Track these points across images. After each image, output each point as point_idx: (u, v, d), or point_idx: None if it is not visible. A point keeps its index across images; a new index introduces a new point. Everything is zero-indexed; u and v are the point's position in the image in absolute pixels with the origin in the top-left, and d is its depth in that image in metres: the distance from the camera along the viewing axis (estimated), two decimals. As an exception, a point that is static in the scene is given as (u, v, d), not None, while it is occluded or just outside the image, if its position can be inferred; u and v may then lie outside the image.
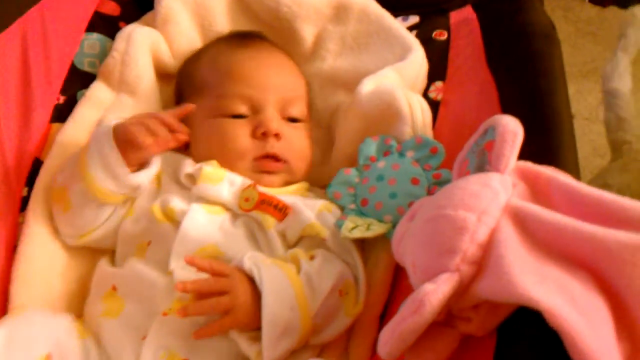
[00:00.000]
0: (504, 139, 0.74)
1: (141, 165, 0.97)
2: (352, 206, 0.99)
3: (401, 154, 1.00)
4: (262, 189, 0.98)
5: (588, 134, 1.82)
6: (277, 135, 1.02)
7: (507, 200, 0.70)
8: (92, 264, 0.99)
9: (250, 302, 0.84)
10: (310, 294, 0.86)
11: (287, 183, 1.04)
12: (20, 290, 0.92)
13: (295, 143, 1.05)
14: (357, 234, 0.92)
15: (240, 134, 1.01)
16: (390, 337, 0.67)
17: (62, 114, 1.08)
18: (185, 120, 1.01)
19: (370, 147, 1.02)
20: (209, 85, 1.06)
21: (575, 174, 0.81)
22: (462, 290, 0.68)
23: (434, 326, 0.68)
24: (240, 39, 1.13)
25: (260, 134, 1.01)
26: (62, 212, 0.97)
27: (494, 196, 0.70)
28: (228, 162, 1.01)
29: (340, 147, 1.09)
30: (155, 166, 0.98)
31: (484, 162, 0.76)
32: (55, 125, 1.07)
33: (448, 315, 0.71)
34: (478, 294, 0.66)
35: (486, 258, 0.67)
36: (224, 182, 0.98)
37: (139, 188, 0.97)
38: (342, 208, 1.00)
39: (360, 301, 0.92)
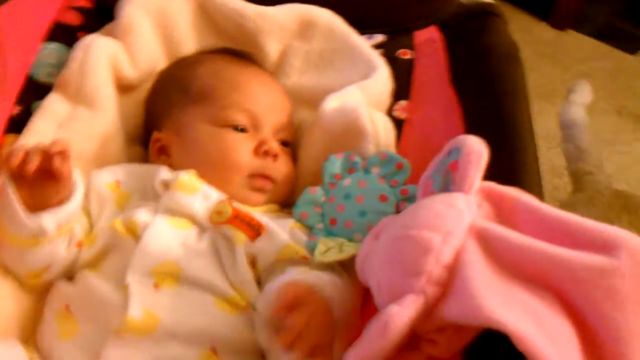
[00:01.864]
0: (469, 160, 0.74)
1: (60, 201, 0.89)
2: (320, 226, 0.98)
3: (367, 171, 0.99)
4: (236, 204, 0.96)
5: (546, 154, 1.85)
6: (275, 157, 1.02)
7: (472, 221, 0.70)
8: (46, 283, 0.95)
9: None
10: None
11: (267, 203, 1.03)
12: None
13: (285, 166, 1.05)
14: (331, 257, 0.90)
15: (243, 147, 1.01)
16: (355, 358, 0.66)
17: (17, 125, 1.04)
18: (175, 126, 1.01)
19: (335, 165, 1.01)
20: (211, 95, 1.04)
21: (539, 194, 0.82)
22: (427, 311, 0.67)
23: (400, 349, 0.67)
24: (239, 56, 1.13)
25: (263, 151, 1.01)
26: None
27: (458, 217, 0.70)
28: (221, 172, 1.00)
29: (304, 165, 1.08)
30: (65, 209, 0.88)
31: (449, 183, 0.76)
32: (10, 136, 1.03)
33: (413, 337, 0.70)
34: (444, 316, 0.66)
35: (452, 279, 0.67)
36: (198, 194, 0.96)
37: (44, 232, 0.87)
38: (310, 228, 0.99)
39: None
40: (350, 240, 0.94)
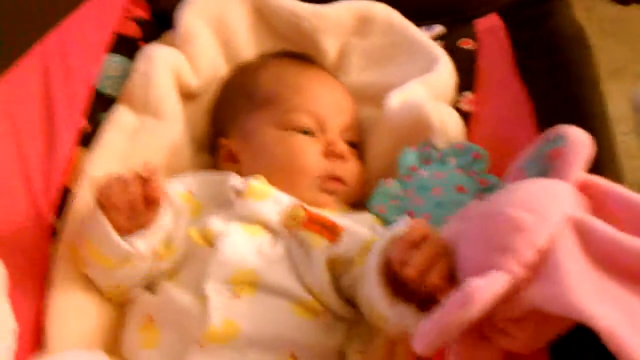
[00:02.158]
0: (574, 149, 0.73)
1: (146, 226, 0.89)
2: (398, 219, 0.96)
3: (443, 162, 0.98)
4: (309, 207, 0.95)
5: (618, 136, 1.79)
6: (344, 158, 1.01)
7: (570, 210, 0.68)
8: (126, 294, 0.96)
9: None
10: None
11: (338, 204, 1.03)
12: (55, 324, 0.90)
13: (355, 167, 1.04)
14: None
15: (311, 150, 1.01)
16: (431, 329, 0.64)
17: (86, 138, 1.06)
18: (242, 133, 1.02)
19: (410, 157, 1.00)
20: (275, 99, 1.05)
21: (619, 181, 0.80)
22: (511, 295, 0.64)
23: (476, 339, 0.65)
24: (299, 58, 1.14)
25: (331, 153, 1.01)
26: (82, 268, 0.93)
27: (556, 202, 0.68)
28: (290, 176, 1.00)
29: (371, 164, 1.07)
30: (155, 231, 0.89)
31: (548, 169, 0.74)
32: (81, 150, 1.05)
33: (486, 326, 0.68)
34: (528, 301, 0.63)
35: (543, 265, 0.64)
36: (269, 200, 0.96)
37: (137, 255, 0.88)
38: (388, 222, 0.97)
39: None
40: None
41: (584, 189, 0.73)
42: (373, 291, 0.79)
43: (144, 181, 0.85)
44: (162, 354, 0.86)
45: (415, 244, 0.73)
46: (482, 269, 0.65)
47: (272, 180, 0.98)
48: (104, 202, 0.86)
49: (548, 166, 0.75)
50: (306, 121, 1.03)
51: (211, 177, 1.03)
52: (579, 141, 0.74)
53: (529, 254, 0.64)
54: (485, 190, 0.93)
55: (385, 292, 0.77)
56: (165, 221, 0.91)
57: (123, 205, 0.85)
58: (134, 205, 0.85)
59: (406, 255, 0.72)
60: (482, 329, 0.68)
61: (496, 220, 0.68)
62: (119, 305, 0.96)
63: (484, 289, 0.62)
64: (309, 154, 1.01)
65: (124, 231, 0.87)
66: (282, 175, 1.00)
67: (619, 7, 2.51)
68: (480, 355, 0.68)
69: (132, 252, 0.87)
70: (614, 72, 2.10)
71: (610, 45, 2.30)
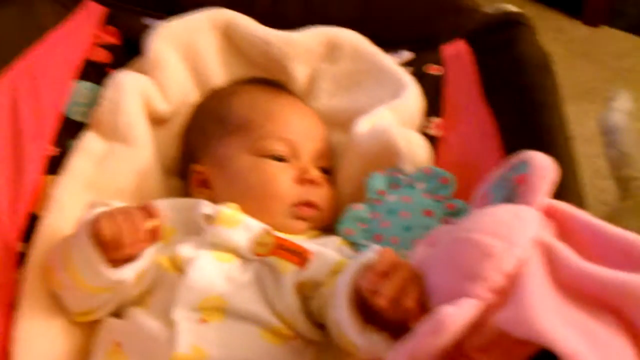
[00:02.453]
0: (538, 174, 0.74)
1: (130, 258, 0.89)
2: (366, 242, 0.97)
3: (411, 186, 0.99)
4: (277, 234, 0.96)
5: (589, 157, 1.81)
6: (317, 184, 1.02)
7: (537, 234, 0.69)
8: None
9: None
10: None
11: (309, 230, 1.03)
12: (22, 350, 0.89)
13: (327, 193, 1.05)
14: None
15: (284, 177, 1.01)
16: (402, 356, 0.64)
17: (54, 165, 1.06)
18: (214, 159, 1.03)
19: (378, 181, 1.01)
20: (248, 126, 1.05)
21: (582, 204, 0.82)
22: (481, 321, 0.65)
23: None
24: (271, 85, 1.14)
25: (304, 180, 1.01)
26: (56, 290, 0.92)
27: (523, 227, 0.69)
28: (263, 202, 1.00)
29: (341, 188, 1.07)
30: (144, 260, 0.89)
31: (513, 195, 0.75)
32: (49, 177, 1.04)
33: (456, 354, 0.68)
34: (496, 325, 0.64)
35: (511, 290, 0.65)
36: (239, 227, 0.96)
37: (124, 282, 0.88)
38: (355, 245, 0.98)
39: None
40: None
41: (550, 214, 0.74)
42: (343, 318, 0.79)
43: (148, 216, 0.86)
44: None
45: (385, 273, 0.73)
46: (452, 296, 0.66)
47: (245, 207, 0.98)
48: (106, 236, 0.84)
49: (513, 192, 0.76)
50: (279, 148, 1.03)
51: (181, 202, 1.02)
52: (542, 167, 0.75)
53: (497, 280, 0.65)
54: (452, 214, 0.94)
55: (355, 319, 0.78)
56: (152, 251, 0.91)
57: (128, 240, 0.84)
58: (136, 240, 0.85)
59: (377, 284, 0.72)
60: (451, 356, 0.68)
61: (464, 247, 0.69)
62: (87, 330, 0.95)
63: (455, 316, 0.63)
64: (282, 181, 1.01)
65: (113, 261, 0.86)
66: (255, 202, 1.00)
67: (589, 27, 2.55)
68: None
69: (118, 280, 0.87)
70: (585, 93, 2.12)
71: (580, 65, 2.34)
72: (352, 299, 0.78)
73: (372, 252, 0.81)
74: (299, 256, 0.92)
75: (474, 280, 0.66)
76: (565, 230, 0.73)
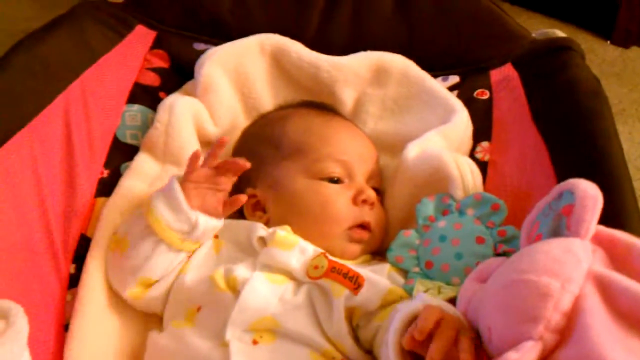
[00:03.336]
0: (585, 204, 0.72)
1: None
2: (416, 269, 0.97)
3: (461, 213, 0.98)
4: (332, 258, 0.96)
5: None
6: (373, 204, 1.03)
7: (589, 266, 0.68)
8: (144, 339, 0.97)
9: None
10: None
11: (362, 254, 1.03)
12: None
13: (381, 213, 1.06)
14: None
15: (342, 199, 1.02)
16: None
17: (106, 187, 1.08)
18: (270, 182, 1.04)
19: (428, 207, 1.01)
20: (304, 149, 1.06)
21: None
22: None
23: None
24: (323, 108, 1.15)
25: (361, 200, 1.02)
26: (119, 256, 0.96)
27: (577, 262, 0.68)
28: (321, 225, 1.00)
29: (390, 214, 1.08)
30: (218, 222, 0.97)
31: (561, 227, 0.74)
32: (100, 199, 1.06)
33: None
34: None
35: (570, 327, 0.65)
36: (295, 249, 0.96)
37: (197, 230, 0.94)
38: (405, 272, 0.98)
39: None
40: (448, 283, 0.93)
41: (600, 241, 0.73)
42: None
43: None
44: None
45: (429, 332, 0.74)
46: (511, 340, 0.67)
47: (302, 230, 0.99)
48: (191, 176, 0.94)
49: (560, 224, 0.75)
50: (335, 170, 1.04)
51: (236, 224, 1.03)
52: (588, 196, 0.73)
53: (557, 319, 0.65)
54: (504, 241, 0.93)
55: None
56: (221, 223, 0.97)
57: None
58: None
59: (421, 346, 0.74)
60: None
61: (520, 288, 0.68)
62: (134, 351, 0.97)
63: None
64: (340, 203, 1.01)
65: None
66: (312, 225, 1.00)
67: (620, 49, 2.54)
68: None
69: (194, 222, 0.93)
70: (616, 114, 2.10)
71: (612, 86, 2.32)
72: (400, 349, 0.78)
73: (420, 301, 0.80)
74: (352, 281, 0.92)
75: (534, 321, 0.66)
76: (616, 256, 0.72)
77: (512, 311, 0.68)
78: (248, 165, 0.95)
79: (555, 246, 0.71)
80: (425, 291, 0.90)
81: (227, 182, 0.97)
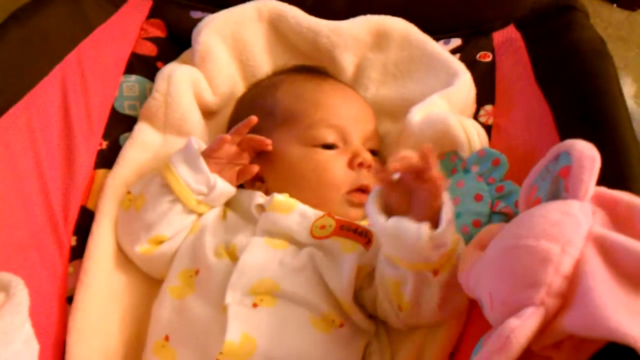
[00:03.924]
0: (582, 165, 0.70)
1: None
2: None
3: (466, 170, 0.97)
4: (338, 217, 0.96)
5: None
6: (369, 167, 1.02)
7: (589, 228, 0.67)
8: (148, 310, 0.97)
9: None
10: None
11: (365, 217, 1.02)
12: (78, 342, 0.91)
13: None
14: None
15: (337, 165, 1.01)
16: None
17: (105, 159, 1.07)
18: (265, 152, 1.03)
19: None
20: (296, 116, 1.05)
21: None
22: (546, 324, 0.64)
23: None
24: (314, 72, 1.14)
25: (357, 164, 1.01)
26: (133, 213, 0.98)
27: (576, 225, 0.67)
28: (319, 192, 1.00)
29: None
30: (232, 189, 1.00)
31: (559, 189, 0.73)
32: (100, 171, 1.06)
33: (527, 353, 0.68)
34: (564, 329, 0.63)
35: (572, 290, 0.64)
36: (294, 212, 0.96)
37: (215, 192, 0.97)
38: None
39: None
40: None
41: (601, 202, 0.72)
42: (376, 222, 0.83)
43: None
44: None
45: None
46: (512, 306, 0.66)
47: (301, 197, 0.99)
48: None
49: (558, 186, 0.73)
50: (329, 136, 1.03)
51: (239, 192, 1.03)
52: (585, 156, 0.71)
53: (558, 284, 0.64)
54: (500, 197, 0.92)
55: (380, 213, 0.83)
56: (233, 190, 1.00)
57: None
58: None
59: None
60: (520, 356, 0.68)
61: (520, 254, 0.68)
62: (139, 323, 0.97)
63: (521, 329, 0.63)
64: (336, 168, 1.01)
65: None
66: (310, 192, 1.00)
67: (626, 12, 2.50)
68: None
69: (212, 182, 0.96)
70: (622, 77, 2.09)
71: (618, 50, 2.30)
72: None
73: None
74: (363, 235, 0.92)
75: (535, 287, 0.65)
76: (618, 218, 0.70)
77: (512, 277, 0.68)
78: (269, 143, 1.00)
79: (553, 209, 0.70)
80: None
81: (247, 158, 1.01)
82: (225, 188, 0.98)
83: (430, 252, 0.79)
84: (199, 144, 0.98)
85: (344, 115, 1.05)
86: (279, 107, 1.07)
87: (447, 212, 0.79)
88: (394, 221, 0.80)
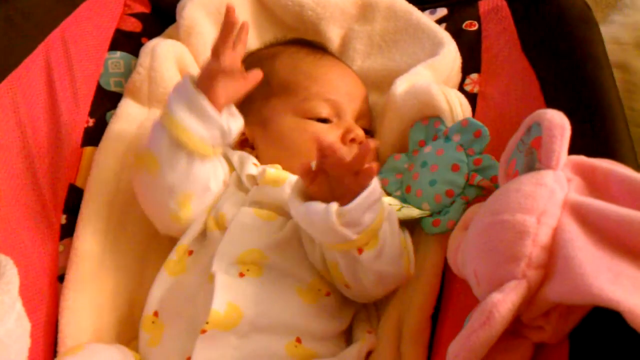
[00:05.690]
0: (552, 134, 0.70)
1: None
2: (398, 193, 0.98)
3: (447, 138, 0.97)
4: None
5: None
6: (362, 144, 1.00)
7: (564, 196, 0.68)
8: (141, 287, 0.98)
9: None
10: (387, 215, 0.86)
11: None
12: (69, 320, 0.92)
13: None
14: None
15: (330, 138, 0.99)
16: (460, 350, 0.65)
17: (92, 136, 1.07)
18: (259, 119, 1.03)
19: (420, 132, 1.00)
20: (293, 87, 1.05)
21: (634, 165, 0.77)
22: (530, 296, 0.65)
23: (506, 338, 0.66)
24: (313, 46, 1.13)
25: (350, 139, 1.01)
26: (150, 177, 0.94)
27: (550, 194, 0.67)
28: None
29: (380, 150, 1.07)
30: (241, 119, 0.96)
31: (534, 161, 0.73)
32: (87, 149, 1.06)
33: (518, 325, 0.69)
34: (549, 299, 0.64)
35: (553, 260, 0.65)
36: (285, 185, 0.96)
37: (230, 135, 0.93)
38: (388, 195, 0.98)
39: (411, 269, 0.90)
40: (419, 208, 0.93)
41: (578, 170, 0.72)
42: (292, 208, 0.84)
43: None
44: (166, 350, 0.87)
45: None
46: (496, 280, 0.66)
47: (291, 168, 0.98)
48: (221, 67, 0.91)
49: (533, 157, 0.73)
50: (324, 109, 1.03)
51: (239, 154, 1.03)
52: (554, 125, 0.71)
53: (538, 254, 0.65)
54: (478, 170, 0.92)
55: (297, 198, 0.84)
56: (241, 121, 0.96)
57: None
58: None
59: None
60: (509, 329, 0.68)
61: (497, 230, 0.68)
62: (130, 302, 0.98)
63: (503, 303, 0.63)
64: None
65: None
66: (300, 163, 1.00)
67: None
68: (513, 354, 0.68)
69: (224, 127, 0.91)
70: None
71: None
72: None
73: None
74: None
75: (515, 261, 0.65)
76: (596, 184, 0.71)
77: (493, 253, 0.68)
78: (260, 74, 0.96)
79: (526, 182, 0.70)
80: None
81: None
82: (237, 125, 0.95)
83: (345, 230, 0.80)
84: (194, 79, 0.93)
85: (340, 91, 1.05)
86: (276, 77, 1.06)
87: (366, 193, 0.79)
88: (307, 204, 0.81)
